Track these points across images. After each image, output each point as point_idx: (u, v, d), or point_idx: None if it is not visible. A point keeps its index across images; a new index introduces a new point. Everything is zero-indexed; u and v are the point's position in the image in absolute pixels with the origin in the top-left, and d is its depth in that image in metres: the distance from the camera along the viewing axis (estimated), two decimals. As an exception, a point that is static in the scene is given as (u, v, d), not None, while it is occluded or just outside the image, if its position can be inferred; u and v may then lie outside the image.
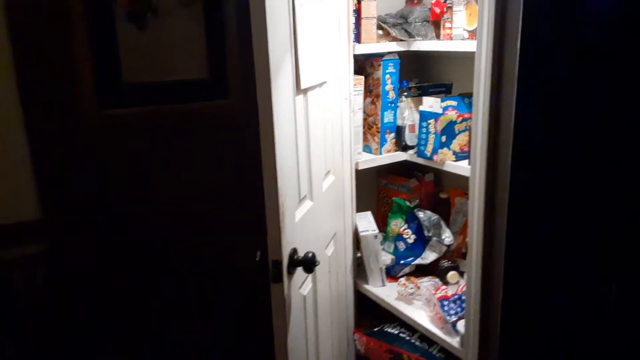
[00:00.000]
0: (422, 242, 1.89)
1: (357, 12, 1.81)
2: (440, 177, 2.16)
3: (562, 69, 1.17)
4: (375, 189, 2.23)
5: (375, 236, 1.85)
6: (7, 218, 1.67)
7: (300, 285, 1.37)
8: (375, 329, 1.88)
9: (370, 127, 1.91)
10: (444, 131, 1.76)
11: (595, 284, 1.31)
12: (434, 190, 2.14)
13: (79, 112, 1.68)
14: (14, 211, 1.69)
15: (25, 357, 1.67)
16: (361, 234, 1.92)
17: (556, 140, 1.21)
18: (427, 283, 1.82)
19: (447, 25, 1.79)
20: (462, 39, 1.72)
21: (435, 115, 1.76)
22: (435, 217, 1.88)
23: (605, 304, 1.31)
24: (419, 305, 1.79)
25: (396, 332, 1.83)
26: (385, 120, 1.90)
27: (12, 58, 1.60)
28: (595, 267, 1.29)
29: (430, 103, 1.78)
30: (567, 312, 1.32)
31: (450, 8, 1.77)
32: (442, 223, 1.87)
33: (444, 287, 1.78)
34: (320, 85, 1.52)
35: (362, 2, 1.81)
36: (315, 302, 1.51)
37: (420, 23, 1.91)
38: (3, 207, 1.68)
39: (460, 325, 1.59)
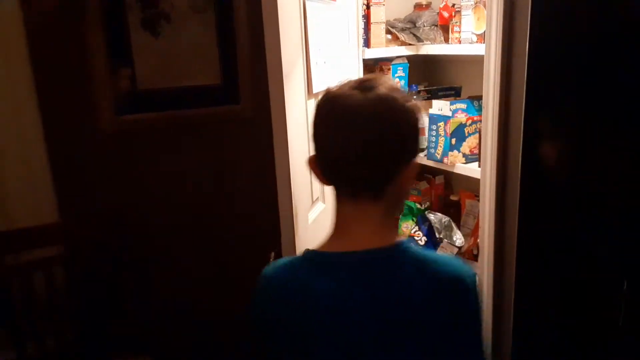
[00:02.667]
0: (433, 244, 1.90)
1: (366, 17, 1.84)
2: (450, 179, 2.17)
3: (571, 71, 1.18)
4: (386, 192, 2.24)
5: (386, 238, 1.86)
6: (26, 221, 1.70)
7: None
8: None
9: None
10: (454, 134, 1.77)
11: (608, 285, 1.31)
12: (444, 192, 2.15)
13: (95, 117, 1.71)
14: (32, 214, 1.72)
15: (44, 357, 1.71)
16: (372, 236, 1.93)
17: (566, 141, 1.22)
18: (438, 285, 1.83)
19: (456, 29, 1.81)
20: (470, 43, 1.73)
21: (445, 118, 1.77)
22: (446, 219, 1.89)
23: (619, 306, 1.31)
24: (430, 306, 1.80)
25: (407, 333, 1.84)
26: (395, 124, 1.92)
27: (31, 66, 1.64)
28: (608, 267, 1.30)
29: (440, 106, 1.80)
30: (581, 316, 1.32)
31: (458, 12, 1.79)
32: (453, 225, 1.88)
33: (455, 288, 1.79)
34: (331, 89, 1.54)
35: (371, 7, 1.84)
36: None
37: (428, 27, 1.93)
38: (22, 210, 1.72)
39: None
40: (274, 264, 0.87)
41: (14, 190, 1.71)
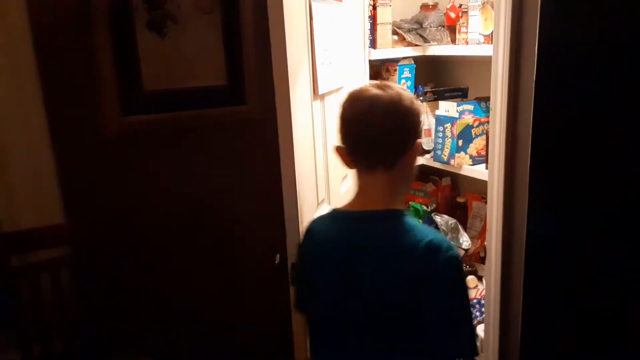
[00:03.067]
0: (439, 246, 1.89)
1: (373, 18, 1.83)
2: (457, 181, 2.15)
3: (582, 71, 1.17)
4: (392, 193, 2.23)
5: (392, 240, 1.86)
6: (32, 222, 1.71)
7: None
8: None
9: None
10: (461, 135, 1.76)
11: (619, 289, 1.29)
12: (450, 194, 2.14)
13: (101, 118, 1.71)
14: (39, 215, 1.73)
15: (49, 359, 1.71)
16: (378, 238, 1.92)
17: (576, 143, 1.21)
18: (444, 287, 1.82)
19: (463, 29, 1.80)
20: (477, 43, 1.72)
21: (452, 120, 1.76)
22: (452, 221, 1.88)
23: (629, 311, 1.29)
24: (436, 309, 1.79)
25: (414, 336, 1.83)
26: (402, 125, 1.91)
27: (37, 67, 1.64)
28: (619, 272, 1.28)
29: (447, 107, 1.79)
30: (591, 320, 1.31)
31: (465, 13, 1.78)
32: (460, 227, 1.87)
33: (461, 291, 1.78)
34: (337, 90, 1.54)
35: (378, 8, 1.83)
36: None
37: (435, 28, 1.92)
38: (29, 211, 1.72)
39: (479, 330, 1.58)
40: (314, 220, 1.14)
41: (21, 191, 1.72)
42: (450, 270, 0.96)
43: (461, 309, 0.97)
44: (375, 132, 1.00)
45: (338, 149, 1.06)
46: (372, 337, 1.01)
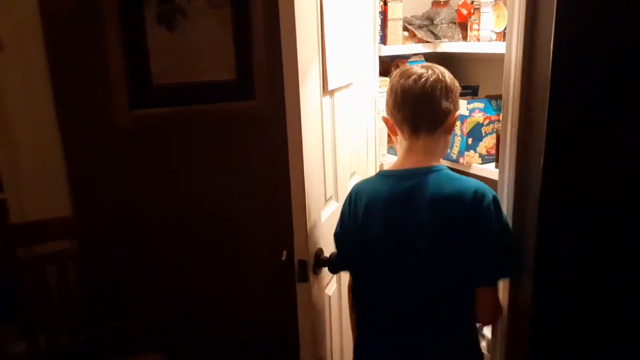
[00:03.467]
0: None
1: (383, 14, 1.82)
2: (466, 179, 2.14)
3: (600, 70, 1.14)
4: (399, 191, 2.22)
5: (399, 238, 1.85)
6: (40, 214, 1.72)
7: (326, 285, 1.38)
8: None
9: (395, 129, 1.91)
10: (470, 133, 1.75)
11: (632, 302, 1.27)
12: (458, 192, 2.12)
13: (110, 112, 1.71)
14: (47, 208, 1.74)
15: (55, 351, 1.72)
16: (385, 235, 1.91)
17: (593, 144, 1.19)
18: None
19: (475, 26, 1.78)
20: (489, 41, 1.70)
21: (462, 118, 1.74)
22: (460, 220, 1.86)
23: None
24: (443, 308, 1.78)
25: (419, 335, 1.83)
26: (411, 122, 1.90)
27: (47, 60, 1.64)
28: (632, 282, 1.26)
29: (457, 105, 1.77)
30: (600, 322, 1.29)
31: (477, 9, 1.76)
32: (467, 226, 1.86)
33: (468, 290, 1.76)
34: (347, 86, 1.53)
35: (388, 4, 1.81)
36: (339, 302, 1.52)
37: (446, 25, 1.90)
38: (37, 203, 1.73)
39: (487, 330, 1.57)
40: (357, 184, 1.31)
41: (29, 184, 1.72)
42: (497, 209, 1.17)
43: (508, 237, 1.20)
44: (423, 101, 1.20)
45: (386, 119, 1.28)
46: (427, 273, 1.18)
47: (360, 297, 1.31)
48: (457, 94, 1.26)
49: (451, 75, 1.25)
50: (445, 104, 1.21)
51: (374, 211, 1.21)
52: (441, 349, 1.23)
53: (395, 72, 1.27)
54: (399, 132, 1.25)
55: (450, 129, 1.25)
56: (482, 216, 1.14)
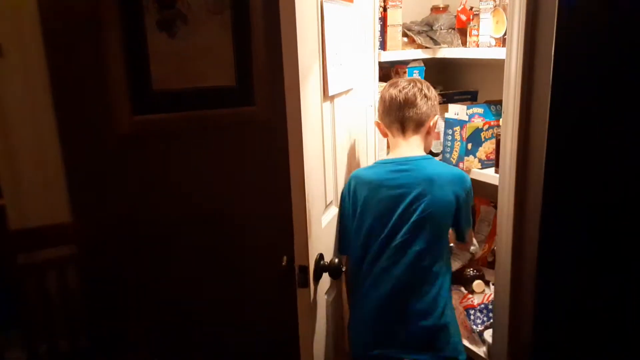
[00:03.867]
0: (446, 250, 1.88)
1: (383, 19, 1.82)
2: (465, 184, 2.13)
3: (600, 76, 1.15)
4: (399, 196, 2.22)
5: (400, 243, 1.85)
6: (40, 220, 1.71)
7: (326, 290, 1.38)
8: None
9: (395, 134, 1.91)
10: (470, 139, 1.75)
11: (634, 298, 1.27)
12: (458, 198, 2.12)
13: (110, 117, 1.72)
14: (46, 214, 1.73)
15: (55, 356, 1.71)
16: (385, 241, 1.91)
17: (593, 148, 1.19)
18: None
19: (474, 32, 1.78)
20: (489, 46, 1.71)
21: (461, 123, 1.75)
22: (460, 225, 1.87)
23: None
24: (443, 313, 1.77)
25: (420, 340, 1.83)
26: (410, 128, 1.90)
27: (47, 65, 1.65)
28: (632, 285, 1.26)
29: (456, 110, 1.77)
30: (604, 326, 1.29)
31: (476, 15, 1.76)
32: (468, 231, 1.86)
33: (469, 295, 1.76)
34: (347, 92, 1.53)
35: (388, 10, 1.82)
36: (340, 308, 1.51)
37: (445, 30, 1.91)
38: (36, 209, 1.72)
39: (488, 335, 1.57)
40: (356, 171, 1.53)
41: (29, 189, 1.72)
42: (471, 191, 1.48)
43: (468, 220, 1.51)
44: (407, 106, 1.46)
45: (377, 123, 1.56)
46: (423, 243, 1.40)
47: (359, 275, 1.47)
48: (436, 102, 1.52)
49: (430, 86, 1.52)
50: (424, 108, 1.47)
51: (376, 190, 1.42)
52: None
53: (385, 85, 1.55)
54: (388, 134, 1.52)
55: (430, 130, 1.52)
56: (464, 194, 1.44)
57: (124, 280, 1.80)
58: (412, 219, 1.40)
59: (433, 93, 1.51)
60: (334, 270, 1.26)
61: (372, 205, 1.42)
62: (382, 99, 1.51)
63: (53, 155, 1.71)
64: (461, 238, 1.55)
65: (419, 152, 1.48)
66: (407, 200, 1.40)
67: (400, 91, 1.47)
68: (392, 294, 1.41)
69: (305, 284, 1.18)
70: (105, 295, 1.79)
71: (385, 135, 1.56)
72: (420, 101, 1.46)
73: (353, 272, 1.50)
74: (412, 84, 1.49)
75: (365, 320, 1.45)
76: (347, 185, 1.48)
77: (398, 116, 1.47)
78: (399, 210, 1.41)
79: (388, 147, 1.91)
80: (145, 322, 1.84)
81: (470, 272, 1.86)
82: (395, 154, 1.49)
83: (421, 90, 1.48)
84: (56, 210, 1.75)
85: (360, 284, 1.46)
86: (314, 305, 1.23)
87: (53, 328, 1.73)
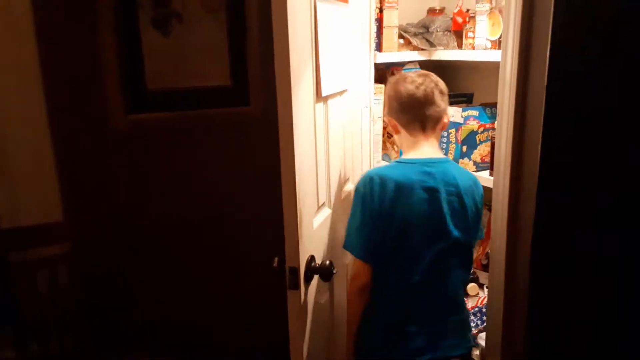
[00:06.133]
0: (441, 253, 1.87)
1: (379, 21, 1.82)
2: (461, 187, 2.13)
3: (595, 80, 1.14)
4: (394, 198, 2.21)
5: (394, 246, 1.84)
6: (32, 219, 1.70)
7: (317, 292, 1.37)
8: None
9: (390, 136, 1.90)
10: (465, 141, 1.75)
11: (633, 305, 1.27)
12: (454, 200, 2.12)
13: (105, 116, 1.71)
14: (39, 212, 1.72)
15: (46, 357, 1.70)
16: (379, 243, 1.90)
17: (588, 152, 1.18)
18: (445, 294, 1.79)
19: (470, 34, 1.78)
20: (484, 49, 1.70)
21: (456, 125, 1.74)
22: (454, 227, 1.86)
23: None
24: (437, 316, 1.76)
25: (413, 343, 1.82)
26: (406, 129, 1.89)
27: (40, 64, 1.64)
28: (633, 285, 1.25)
29: (451, 112, 1.76)
30: (598, 331, 1.28)
31: (472, 18, 1.76)
32: (462, 234, 1.85)
33: (463, 299, 1.75)
34: (341, 93, 1.52)
35: (384, 11, 1.81)
36: (331, 310, 1.50)
37: (441, 32, 1.91)
38: (29, 208, 1.71)
39: (481, 339, 1.56)
40: (374, 170, 1.42)
41: (22, 188, 1.71)
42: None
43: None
44: (427, 104, 1.40)
45: (389, 120, 1.48)
46: (452, 255, 1.39)
47: (388, 288, 1.40)
48: (447, 95, 1.47)
49: (439, 79, 1.46)
50: (442, 105, 1.42)
51: (405, 194, 1.34)
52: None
53: (395, 79, 1.46)
54: (402, 132, 1.45)
55: (444, 127, 1.47)
56: (482, 204, 1.46)
57: (115, 280, 1.79)
58: (447, 222, 1.36)
59: (444, 86, 1.45)
60: (325, 272, 1.25)
61: (404, 208, 1.34)
62: (397, 95, 1.42)
63: (46, 154, 1.70)
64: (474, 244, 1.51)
65: (440, 153, 1.45)
66: (440, 203, 1.35)
67: (417, 87, 1.39)
68: (423, 295, 1.38)
69: (296, 286, 1.17)
70: (97, 295, 1.78)
71: (397, 132, 1.47)
72: (438, 98, 1.41)
73: (379, 274, 1.40)
74: (427, 79, 1.41)
75: (400, 316, 1.40)
76: (370, 185, 1.36)
77: (419, 115, 1.40)
78: (434, 213, 1.35)
79: (384, 148, 1.91)
80: (137, 322, 1.82)
81: (465, 275, 1.85)
82: (418, 154, 1.42)
83: (437, 85, 1.42)
84: (49, 210, 1.74)
85: (387, 286, 1.40)
86: (304, 307, 1.22)
87: (45, 328, 1.72)
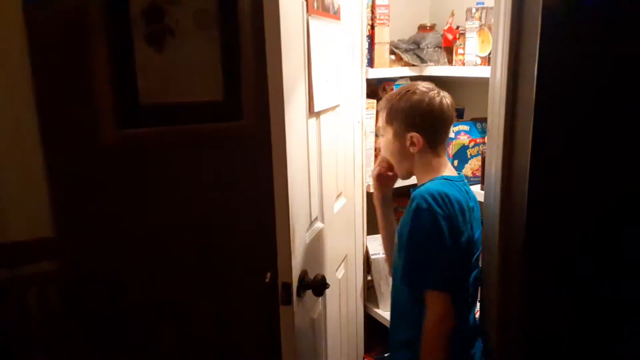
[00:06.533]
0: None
1: (371, 37, 1.84)
2: (453, 201, 2.14)
3: (583, 94, 1.17)
4: (387, 213, 2.22)
5: (386, 260, 1.84)
6: (21, 234, 1.68)
7: (310, 308, 1.36)
8: (386, 355, 1.84)
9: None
10: (456, 155, 1.76)
11: (626, 318, 1.27)
12: (445, 214, 2.13)
13: (96, 131, 1.70)
14: (28, 228, 1.70)
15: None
16: (372, 257, 1.90)
17: (577, 166, 1.20)
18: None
19: (460, 51, 1.81)
20: (474, 65, 1.73)
21: (448, 140, 1.76)
22: (447, 241, 1.86)
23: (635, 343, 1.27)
24: (430, 331, 1.76)
25: (407, 359, 1.81)
26: (398, 144, 1.91)
27: (32, 77, 1.63)
28: (625, 297, 1.26)
29: (443, 127, 1.78)
30: (593, 330, 1.29)
31: (462, 35, 1.79)
32: (454, 248, 1.85)
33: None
34: (334, 108, 1.54)
35: (376, 28, 1.84)
36: (324, 325, 1.50)
37: (432, 49, 1.93)
38: (18, 223, 1.69)
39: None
40: (433, 188, 1.29)
41: (11, 203, 1.69)
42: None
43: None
44: (449, 119, 1.37)
45: (417, 137, 1.34)
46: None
47: (464, 317, 1.37)
48: None
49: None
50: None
51: (468, 211, 1.31)
52: None
53: (420, 90, 1.35)
54: (425, 148, 1.36)
55: None
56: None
57: (104, 294, 1.77)
58: (480, 240, 1.35)
59: None
60: (317, 287, 1.25)
61: (468, 229, 1.30)
62: (431, 111, 1.33)
63: (36, 168, 1.68)
64: None
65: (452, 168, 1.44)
66: (479, 222, 1.35)
67: (450, 107, 1.36)
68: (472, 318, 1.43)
69: (289, 302, 1.17)
70: (87, 313, 1.75)
71: (418, 149, 1.35)
72: (454, 113, 1.41)
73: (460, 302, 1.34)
74: (445, 93, 1.38)
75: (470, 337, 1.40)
76: (444, 203, 1.26)
77: (447, 134, 1.40)
78: (474, 234, 1.34)
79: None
80: (128, 340, 1.80)
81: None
82: (450, 172, 1.39)
83: (452, 101, 1.41)
84: (38, 225, 1.72)
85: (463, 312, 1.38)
86: (297, 322, 1.21)
87: (34, 347, 1.69)
